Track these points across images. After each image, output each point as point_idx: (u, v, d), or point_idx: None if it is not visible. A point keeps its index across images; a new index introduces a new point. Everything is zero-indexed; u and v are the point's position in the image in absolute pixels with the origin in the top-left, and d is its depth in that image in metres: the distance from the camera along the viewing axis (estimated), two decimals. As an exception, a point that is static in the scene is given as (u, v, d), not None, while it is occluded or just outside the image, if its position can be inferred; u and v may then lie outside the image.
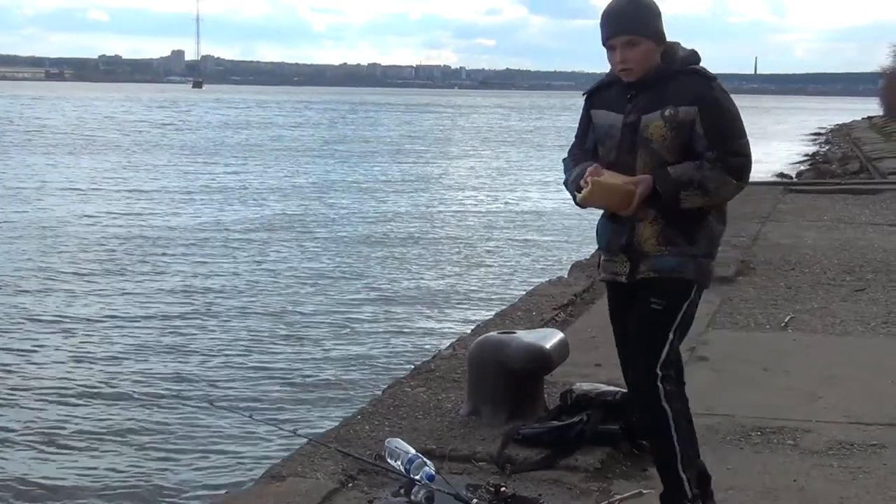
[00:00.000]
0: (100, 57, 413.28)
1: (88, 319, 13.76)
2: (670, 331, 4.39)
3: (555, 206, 27.90)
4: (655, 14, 4.33)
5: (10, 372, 11.18)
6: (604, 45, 4.35)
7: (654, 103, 4.28)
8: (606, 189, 4.24)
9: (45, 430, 9.48)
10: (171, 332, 13.12)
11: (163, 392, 10.67)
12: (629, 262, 4.42)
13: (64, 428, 9.55)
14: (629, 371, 4.56)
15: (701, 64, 4.37)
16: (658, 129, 4.25)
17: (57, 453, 9.01)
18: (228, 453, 8.88)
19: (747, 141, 4.29)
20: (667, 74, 4.31)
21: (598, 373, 6.82)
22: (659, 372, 4.35)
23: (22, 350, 12.13)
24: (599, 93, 4.50)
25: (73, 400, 10.37)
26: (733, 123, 4.29)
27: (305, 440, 5.56)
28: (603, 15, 4.34)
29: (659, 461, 4.48)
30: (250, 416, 5.97)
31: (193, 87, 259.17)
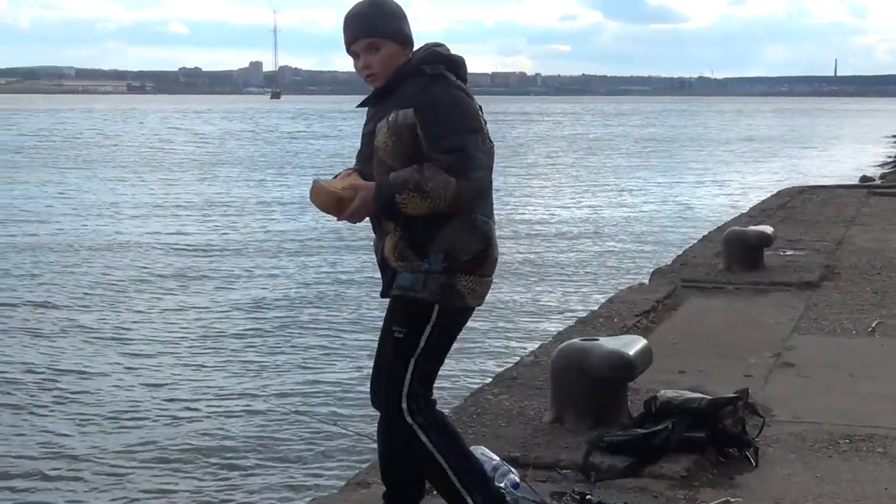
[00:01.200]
0: (180, 69, 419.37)
1: (166, 333, 13.92)
2: (411, 359, 4.10)
3: (632, 213, 27.76)
4: (398, 16, 4.15)
5: (89, 390, 11.25)
6: (348, 52, 4.18)
7: (384, 110, 4.08)
8: (318, 191, 4.03)
9: (125, 449, 9.56)
10: (248, 345, 13.20)
11: (245, 403, 10.74)
12: (383, 278, 4.21)
13: (146, 444, 9.62)
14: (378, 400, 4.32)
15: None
16: (383, 136, 4.03)
17: (139, 468, 9.10)
18: (313, 462, 8.92)
19: (466, 137, 3.94)
20: (400, 78, 4.09)
21: (681, 379, 6.78)
22: (404, 405, 4.11)
23: (94, 367, 12.22)
24: (369, 103, 4.27)
25: (152, 415, 10.43)
26: (448, 120, 3.95)
27: (389, 448, 5.57)
28: (343, 21, 4.16)
29: (441, 493, 4.28)
30: (335, 424, 6.00)
31: (272, 97, 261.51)
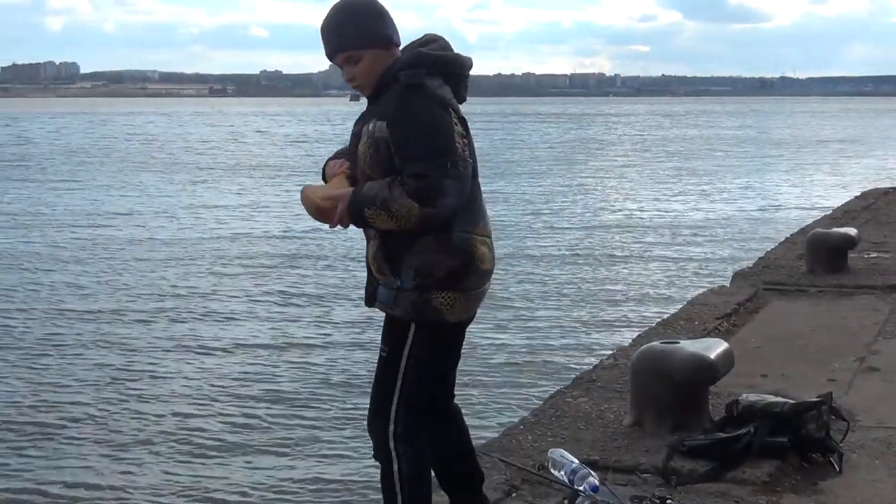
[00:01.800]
0: (261, 72, 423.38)
1: (237, 339, 14.07)
2: (396, 383, 3.99)
3: (712, 214, 27.50)
4: (373, 18, 3.92)
5: (174, 394, 11.40)
6: (331, 62, 4.02)
7: (367, 118, 3.93)
8: (303, 199, 3.96)
9: (200, 439, 9.73)
10: (333, 357, 13.13)
11: (322, 403, 10.85)
12: (368, 286, 4.10)
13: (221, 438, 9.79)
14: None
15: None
16: (363, 145, 3.87)
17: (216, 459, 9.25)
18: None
19: (436, 162, 3.73)
20: (384, 83, 3.91)
21: (763, 383, 6.70)
22: (390, 428, 4.00)
23: (168, 371, 12.38)
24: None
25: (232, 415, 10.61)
26: (416, 142, 3.75)
27: (469, 450, 5.58)
28: (320, 31, 3.97)
29: None
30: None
31: (351, 100, 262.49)
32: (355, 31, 3.91)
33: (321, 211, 3.92)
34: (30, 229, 24.63)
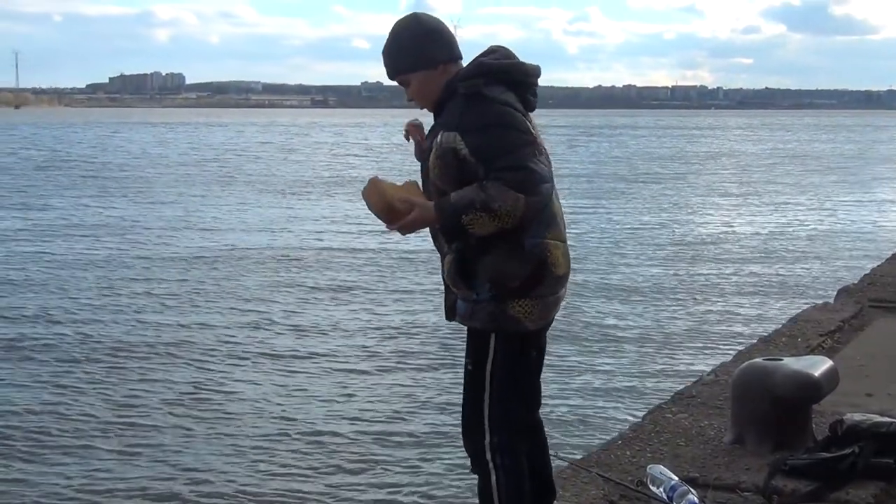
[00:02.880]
0: (362, 84, 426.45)
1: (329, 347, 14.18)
2: (484, 395, 4.01)
3: (816, 230, 27.04)
4: (417, 41, 4.02)
5: (250, 410, 11.39)
6: None
7: (433, 132, 4.02)
8: (373, 190, 3.92)
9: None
10: (408, 367, 13.18)
11: (398, 417, 10.89)
12: (446, 301, 4.14)
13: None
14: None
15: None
16: (432, 157, 3.94)
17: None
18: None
19: (523, 152, 3.80)
20: (445, 98, 3.99)
21: (869, 403, 6.57)
22: (486, 440, 4.02)
23: (248, 380, 12.45)
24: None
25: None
26: (500, 139, 3.81)
27: (566, 463, 5.57)
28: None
29: None
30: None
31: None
32: (399, 57, 4.06)
33: (392, 210, 3.91)
34: (116, 238, 25.08)
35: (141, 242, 24.24)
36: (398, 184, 4.03)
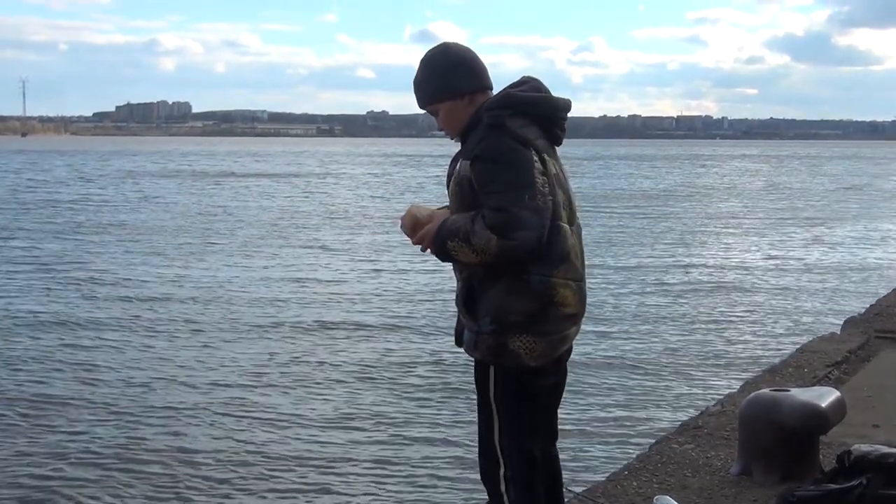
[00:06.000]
0: (367, 113, 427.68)
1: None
2: (494, 425, 4.04)
3: (822, 262, 26.99)
4: (446, 71, 4.09)
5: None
6: None
7: (456, 159, 4.08)
8: (408, 213, 4.09)
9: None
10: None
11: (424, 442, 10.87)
12: (457, 326, 4.18)
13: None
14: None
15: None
16: (452, 183, 4.04)
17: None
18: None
19: (512, 195, 3.78)
20: (471, 127, 4.05)
21: (876, 433, 6.56)
22: (500, 472, 4.04)
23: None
24: None
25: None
26: (495, 175, 3.83)
27: (573, 494, 5.56)
28: None
29: None
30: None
31: (455, 140, 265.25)
32: (427, 88, 4.14)
33: (416, 222, 4.03)
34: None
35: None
36: (431, 208, 4.15)
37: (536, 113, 4.00)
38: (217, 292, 20.83)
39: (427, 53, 4.18)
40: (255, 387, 13.09)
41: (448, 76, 4.08)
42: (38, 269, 24.10)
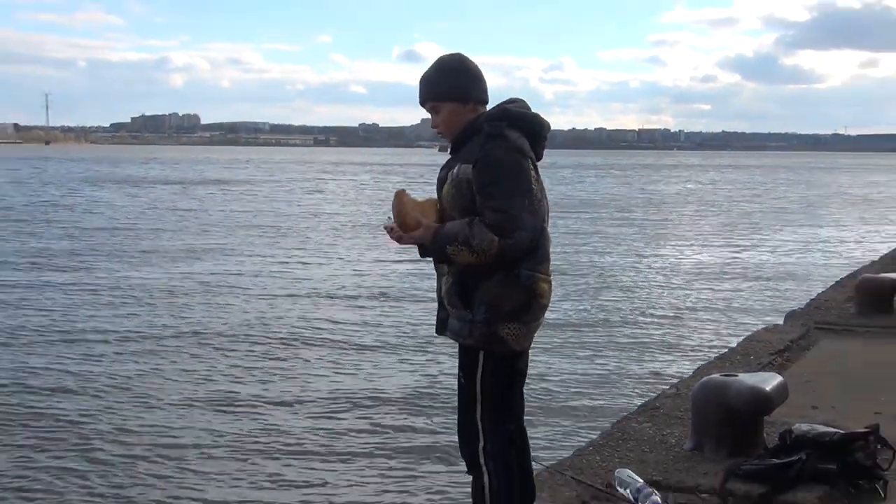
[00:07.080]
0: (360, 125, 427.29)
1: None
2: (476, 406, 4.07)
3: (767, 262, 27.06)
4: (459, 75, 4.08)
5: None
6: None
7: (453, 162, 4.05)
8: (400, 200, 4.04)
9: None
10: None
11: (403, 427, 10.85)
12: (438, 315, 4.18)
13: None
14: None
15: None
16: (447, 186, 4.01)
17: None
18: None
19: (513, 200, 3.82)
20: (469, 133, 4.02)
21: (815, 414, 6.59)
22: (479, 445, 4.08)
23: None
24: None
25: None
26: (497, 180, 3.84)
27: (543, 467, 5.58)
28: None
29: None
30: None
31: (440, 150, 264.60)
32: (437, 85, 4.09)
33: (404, 222, 4.02)
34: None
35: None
36: (419, 199, 4.12)
37: (528, 129, 4.05)
38: (211, 289, 20.79)
39: (444, 56, 4.17)
40: (245, 382, 12.72)
41: (461, 79, 4.09)
42: (46, 269, 23.98)
